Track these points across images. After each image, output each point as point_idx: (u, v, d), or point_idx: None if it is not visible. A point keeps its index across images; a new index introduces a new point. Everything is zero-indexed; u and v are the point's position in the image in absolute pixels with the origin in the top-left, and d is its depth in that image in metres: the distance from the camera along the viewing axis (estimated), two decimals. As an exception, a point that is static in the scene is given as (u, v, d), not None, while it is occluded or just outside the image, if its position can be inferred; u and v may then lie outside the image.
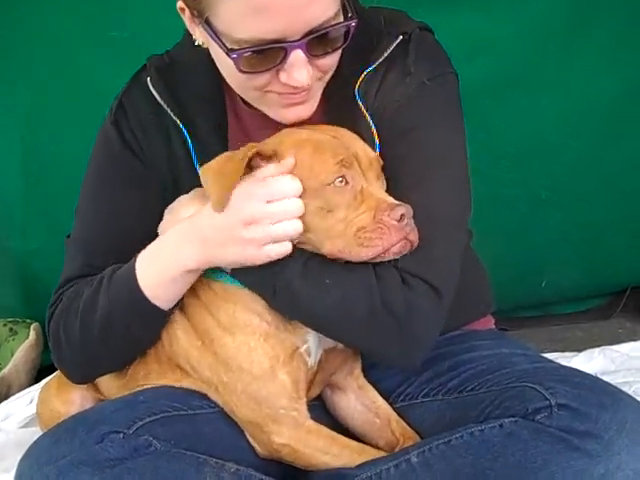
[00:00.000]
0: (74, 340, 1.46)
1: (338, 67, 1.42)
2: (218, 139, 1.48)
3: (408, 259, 1.31)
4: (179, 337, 1.43)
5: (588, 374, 1.39)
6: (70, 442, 1.29)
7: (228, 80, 1.41)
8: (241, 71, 1.31)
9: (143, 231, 1.46)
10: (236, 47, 1.29)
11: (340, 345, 1.44)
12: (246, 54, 1.29)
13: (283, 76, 1.32)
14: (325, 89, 1.43)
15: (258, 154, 1.32)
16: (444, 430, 1.34)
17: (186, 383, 1.44)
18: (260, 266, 1.32)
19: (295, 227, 1.30)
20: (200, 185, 1.38)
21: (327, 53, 1.34)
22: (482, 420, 1.32)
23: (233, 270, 1.37)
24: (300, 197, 1.30)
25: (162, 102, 1.47)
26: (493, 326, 1.74)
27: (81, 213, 1.56)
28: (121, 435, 1.30)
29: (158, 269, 1.39)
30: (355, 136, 1.37)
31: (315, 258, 1.33)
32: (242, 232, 1.30)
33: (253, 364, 1.35)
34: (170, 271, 1.38)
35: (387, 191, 1.36)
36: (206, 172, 1.33)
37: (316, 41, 1.30)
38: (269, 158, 1.32)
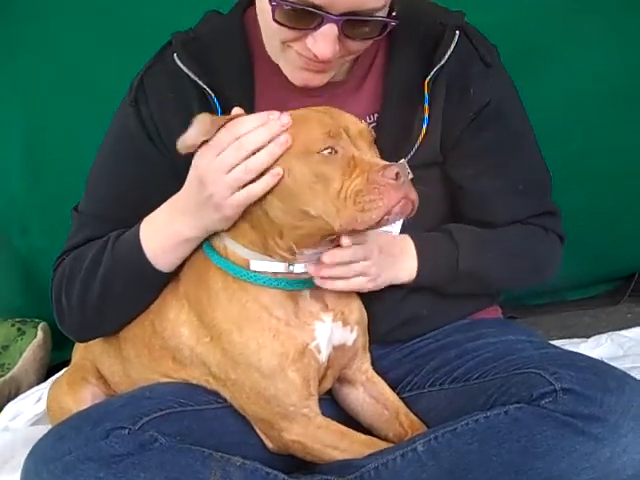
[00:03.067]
0: (75, 297, 1.49)
1: (404, 52, 1.50)
2: (246, 108, 1.47)
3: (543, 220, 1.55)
4: (182, 333, 1.42)
5: (593, 359, 1.39)
6: (75, 438, 1.29)
7: (260, 23, 1.45)
8: (275, 20, 1.34)
9: (150, 208, 1.48)
10: None
11: (349, 342, 1.44)
12: (285, 7, 1.32)
13: (310, 41, 1.36)
14: (388, 71, 1.50)
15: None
16: (451, 419, 1.33)
17: (184, 375, 1.45)
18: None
19: (250, 168, 1.29)
20: None
21: (359, 39, 1.38)
22: (489, 407, 1.31)
23: None
24: (289, 173, 1.29)
25: (190, 73, 1.48)
26: (500, 315, 1.74)
27: (91, 187, 1.58)
28: (126, 431, 1.30)
29: (159, 237, 1.42)
30: (343, 112, 1.36)
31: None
32: (204, 192, 1.33)
33: (261, 362, 1.35)
34: (169, 239, 1.42)
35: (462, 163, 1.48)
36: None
37: (353, 24, 1.34)
38: None
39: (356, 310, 1.46)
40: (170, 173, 1.52)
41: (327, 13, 1.32)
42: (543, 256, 1.59)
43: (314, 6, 1.31)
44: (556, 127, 2.34)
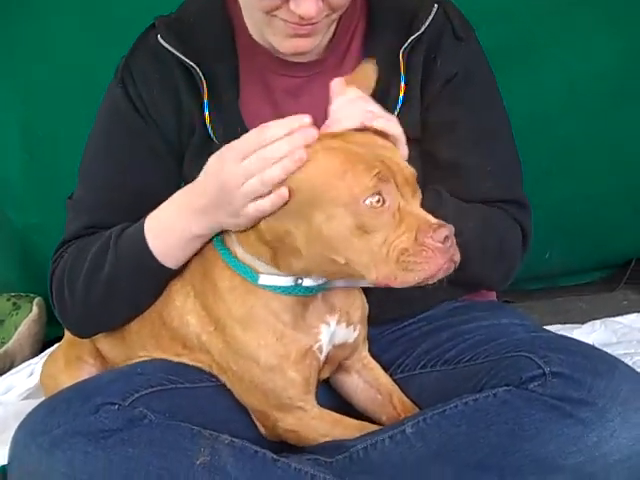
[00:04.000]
0: (78, 296, 1.47)
1: (382, 27, 1.49)
2: (231, 86, 1.50)
3: (511, 208, 1.50)
4: (189, 322, 1.41)
5: (585, 343, 1.39)
6: (65, 413, 1.29)
7: (242, 2, 1.44)
8: None
9: (147, 190, 1.47)
10: None
11: (351, 340, 1.43)
12: None
13: (293, 4, 1.34)
14: (367, 46, 1.50)
15: None
16: (442, 401, 1.33)
17: (186, 359, 1.44)
18: None
19: (265, 180, 1.22)
20: (209, 139, 1.46)
21: None
22: (479, 390, 1.31)
23: None
24: (330, 214, 1.20)
25: (175, 51, 1.48)
26: (495, 299, 1.73)
27: (85, 173, 1.56)
28: (116, 407, 1.29)
29: (166, 234, 1.39)
30: (390, 146, 1.28)
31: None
32: (224, 197, 1.28)
33: (261, 359, 1.34)
34: (178, 236, 1.38)
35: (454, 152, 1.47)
36: None
37: None
38: None
39: (360, 307, 1.44)
40: (165, 147, 1.52)
41: None
42: (509, 243, 1.53)
43: None
44: (553, 117, 2.35)
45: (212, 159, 1.32)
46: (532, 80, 2.28)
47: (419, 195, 1.26)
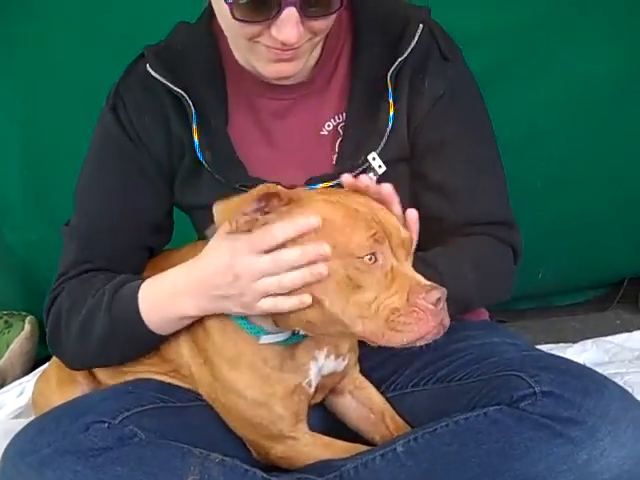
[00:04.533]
0: (73, 342, 1.48)
1: (368, 48, 1.49)
2: (220, 111, 1.51)
3: (501, 230, 1.51)
4: (183, 353, 1.42)
5: (575, 362, 1.38)
6: (54, 431, 1.29)
7: (223, 28, 1.44)
8: (234, 18, 1.34)
9: (139, 213, 1.49)
10: None
11: (340, 368, 1.43)
12: (241, 2, 1.32)
13: (274, 30, 1.35)
14: (353, 68, 1.50)
15: (276, 196, 1.21)
16: (434, 420, 1.33)
17: (178, 382, 1.45)
18: None
19: (283, 285, 1.23)
20: (199, 164, 1.47)
21: (321, 16, 1.37)
22: (471, 409, 1.31)
23: None
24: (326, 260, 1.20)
25: (164, 80, 1.48)
26: (487, 318, 1.73)
27: (79, 199, 1.57)
28: (106, 425, 1.30)
29: (160, 309, 1.39)
30: (387, 211, 1.28)
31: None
32: (237, 287, 1.27)
33: (248, 396, 1.35)
34: (172, 315, 1.38)
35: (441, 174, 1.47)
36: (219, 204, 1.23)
37: (310, 2, 1.34)
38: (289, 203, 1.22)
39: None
40: (155, 170, 1.53)
41: None
42: (504, 269, 1.55)
43: None
44: (545, 133, 2.36)
45: (218, 247, 1.30)
46: (524, 99, 2.29)
47: (411, 258, 1.26)
